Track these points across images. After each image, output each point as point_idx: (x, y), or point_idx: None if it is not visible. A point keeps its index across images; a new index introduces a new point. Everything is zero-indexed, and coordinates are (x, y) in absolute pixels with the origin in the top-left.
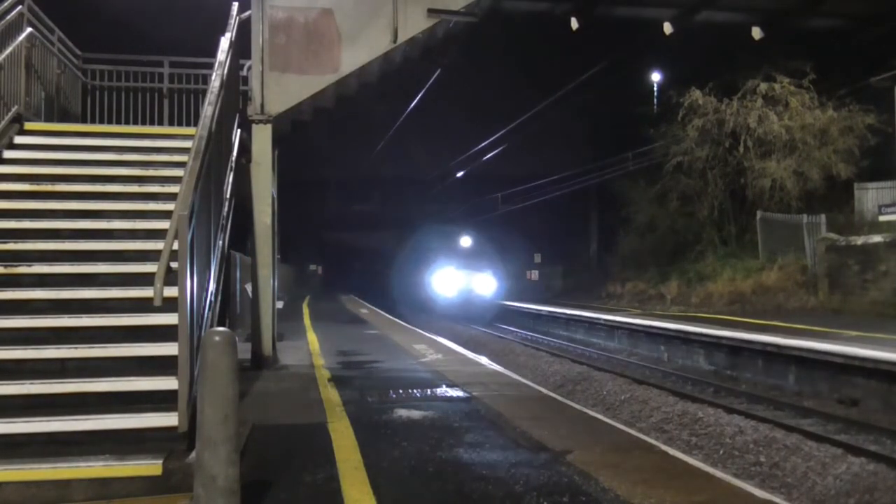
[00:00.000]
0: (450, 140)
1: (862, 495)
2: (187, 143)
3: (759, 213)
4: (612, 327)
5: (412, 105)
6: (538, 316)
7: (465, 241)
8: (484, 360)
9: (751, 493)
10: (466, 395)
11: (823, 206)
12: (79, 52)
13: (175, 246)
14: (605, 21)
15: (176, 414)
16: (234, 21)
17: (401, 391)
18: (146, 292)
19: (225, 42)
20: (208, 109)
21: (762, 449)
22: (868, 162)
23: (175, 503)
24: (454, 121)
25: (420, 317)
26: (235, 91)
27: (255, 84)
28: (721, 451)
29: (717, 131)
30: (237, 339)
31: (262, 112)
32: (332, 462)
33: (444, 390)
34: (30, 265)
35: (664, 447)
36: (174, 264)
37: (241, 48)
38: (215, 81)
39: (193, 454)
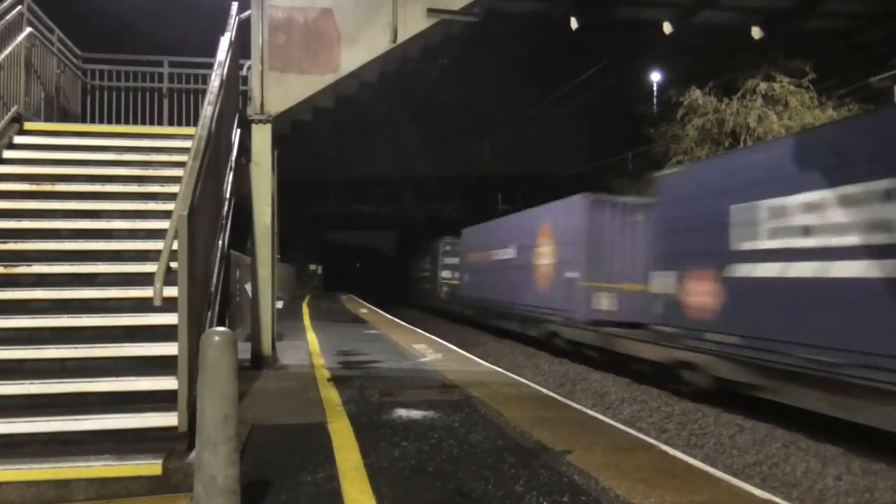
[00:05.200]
0: (449, 139)
1: None
2: (187, 143)
3: None
4: None
5: (412, 104)
6: None
7: None
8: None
9: (751, 492)
10: (466, 394)
11: None
12: (79, 52)
13: (175, 246)
14: (605, 21)
15: (176, 414)
16: (233, 21)
17: (401, 391)
18: (146, 292)
19: (224, 42)
20: (208, 109)
21: None
22: None
23: (175, 503)
24: (453, 120)
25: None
26: (235, 91)
27: (254, 84)
28: None
29: (716, 131)
30: (237, 338)
31: (262, 112)
32: (331, 462)
33: (443, 390)
34: (29, 265)
35: (664, 447)
36: (174, 264)
37: (241, 48)
38: (215, 81)
39: (193, 454)
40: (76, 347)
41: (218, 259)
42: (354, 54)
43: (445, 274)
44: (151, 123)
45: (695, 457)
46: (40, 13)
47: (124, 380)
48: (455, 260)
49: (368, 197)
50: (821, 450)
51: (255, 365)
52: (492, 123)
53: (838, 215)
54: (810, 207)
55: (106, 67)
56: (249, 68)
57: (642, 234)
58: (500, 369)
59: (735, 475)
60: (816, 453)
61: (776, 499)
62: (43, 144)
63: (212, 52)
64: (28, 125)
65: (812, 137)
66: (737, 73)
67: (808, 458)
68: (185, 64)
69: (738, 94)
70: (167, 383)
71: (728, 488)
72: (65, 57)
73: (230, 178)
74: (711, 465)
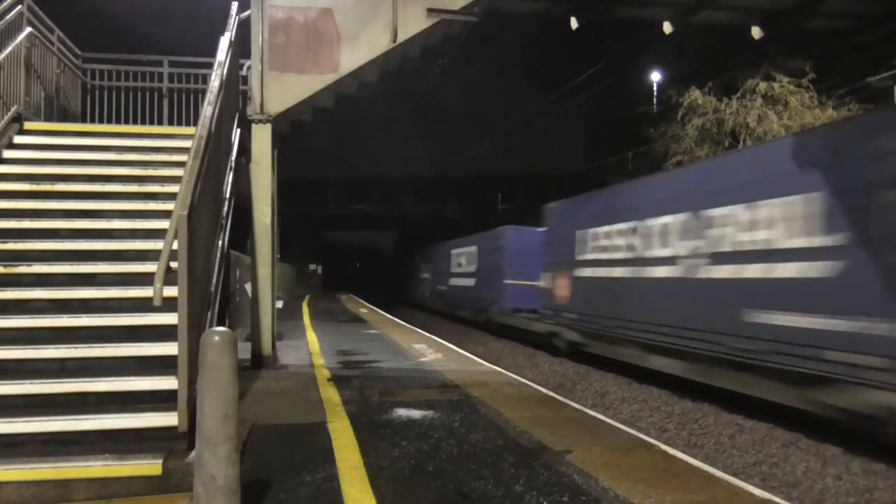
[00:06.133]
0: (449, 139)
1: None
2: (187, 143)
3: None
4: None
5: (411, 104)
6: None
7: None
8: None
9: (751, 492)
10: (466, 394)
11: None
12: (78, 52)
13: (175, 245)
14: (605, 21)
15: (176, 413)
16: (233, 20)
17: (400, 391)
18: (146, 292)
19: (224, 42)
20: (208, 109)
21: None
22: None
23: (175, 503)
24: (453, 119)
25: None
26: (235, 91)
27: (254, 84)
28: None
29: (716, 131)
30: (237, 338)
31: (262, 112)
32: (331, 461)
33: (443, 390)
34: (29, 265)
35: (664, 446)
36: (174, 264)
37: (241, 48)
38: (215, 81)
39: (193, 454)
40: (76, 347)
41: (218, 259)
42: (354, 54)
43: None
44: (151, 123)
45: (695, 457)
46: (40, 13)
47: (124, 380)
48: None
49: (368, 197)
50: (820, 449)
51: (255, 365)
52: (492, 123)
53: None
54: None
55: (106, 67)
56: (249, 68)
57: None
58: (500, 369)
59: (735, 475)
60: (816, 453)
61: (776, 498)
62: (43, 144)
63: (212, 52)
64: (28, 125)
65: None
66: (737, 73)
67: (808, 457)
68: (184, 64)
69: (738, 94)
70: (167, 383)
71: (728, 488)
72: (65, 57)
73: (230, 177)
74: (711, 464)
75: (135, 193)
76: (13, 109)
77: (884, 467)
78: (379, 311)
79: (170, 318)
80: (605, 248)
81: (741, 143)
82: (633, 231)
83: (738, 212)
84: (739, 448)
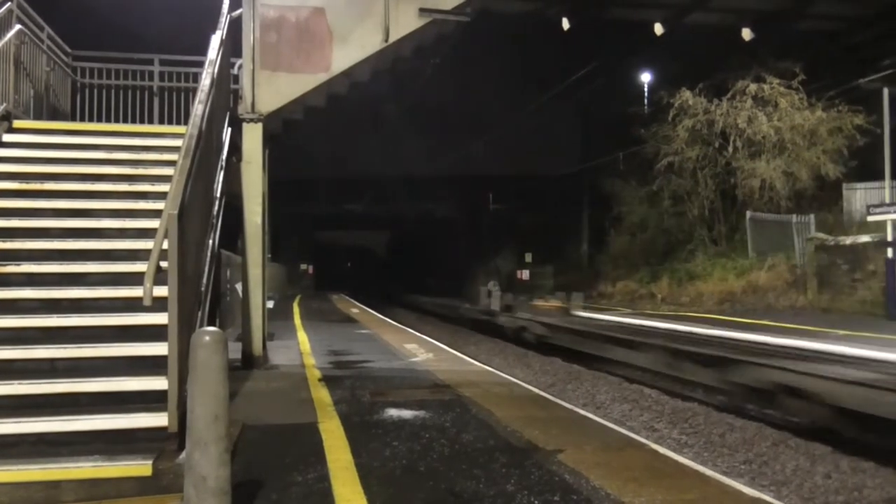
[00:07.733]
0: (441, 139)
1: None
2: (178, 142)
3: (748, 213)
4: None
5: (404, 104)
6: None
7: None
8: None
9: (740, 490)
10: (458, 394)
11: (812, 207)
12: (69, 50)
13: (165, 245)
14: (597, 22)
15: (166, 414)
16: (224, 19)
17: (392, 391)
18: (136, 291)
19: (216, 40)
20: (199, 108)
21: None
22: (857, 162)
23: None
24: (445, 119)
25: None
26: (226, 90)
27: (245, 83)
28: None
29: (707, 132)
30: (227, 338)
31: (253, 111)
32: (322, 462)
33: (435, 390)
34: (18, 264)
35: (654, 446)
36: (164, 263)
37: (233, 47)
38: (206, 80)
39: (184, 454)
40: (66, 347)
41: (208, 258)
42: (346, 53)
43: None
44: (142, 122)
45: (685, 455)
46: (30, 10)
47: (114, 380)
48: None
49: (360, 196)
50: (810, 448)
51: (246, 365)
52: (484, 123)
53: None
54: None
55: (96, 65)
56: (241, 67)
57: None
58: (491, 369)
59: (725, 474)
60: (805, 452)
61: (766, 497)
62: (32, 143)
63: (203, 51)
64: (17, 123)
65: None
66: (727, 75)
67: (798, 456)
68: (175, 62)
69: (728, 95)
70: (157, 383)
71: (718, 486)
72: (55, 54)
73: (221, 177)
74: (702, 463)
75: (125, 192)
76: (2, 107)
77: (872, 465)
78: (370, 311)
79: (160, 318)
80: None
81: (731, 143)
82: None
83: None
84: (729, 447)
